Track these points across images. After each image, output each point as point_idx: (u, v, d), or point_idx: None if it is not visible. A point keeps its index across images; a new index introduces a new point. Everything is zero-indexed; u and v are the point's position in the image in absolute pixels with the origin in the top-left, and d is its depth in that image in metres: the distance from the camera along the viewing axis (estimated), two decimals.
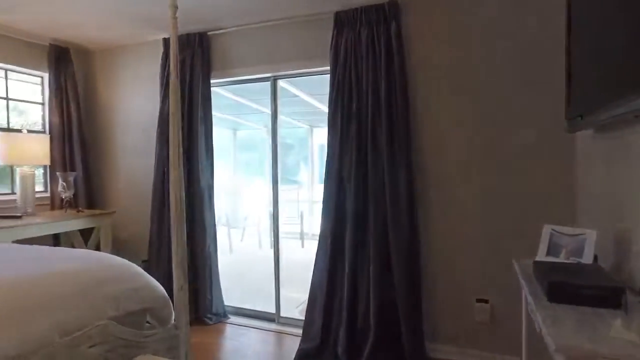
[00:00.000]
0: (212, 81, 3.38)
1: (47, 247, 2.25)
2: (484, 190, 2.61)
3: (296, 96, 4.85)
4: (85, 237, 3.64)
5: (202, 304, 3.33)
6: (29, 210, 3.31)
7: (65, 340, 1.50)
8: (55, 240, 3.64)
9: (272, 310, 3.37)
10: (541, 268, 1.46)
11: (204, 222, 3.36)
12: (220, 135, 7.77)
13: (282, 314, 3.34)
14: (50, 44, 3.65)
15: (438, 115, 2.71)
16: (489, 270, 2.60)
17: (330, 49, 2.85)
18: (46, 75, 3.71)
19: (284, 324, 3.28)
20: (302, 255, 5.77)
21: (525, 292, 1.46)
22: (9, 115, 3.66)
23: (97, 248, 3.56)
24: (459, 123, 2.66)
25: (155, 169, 3.45)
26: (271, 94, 3.33)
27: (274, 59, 3.19)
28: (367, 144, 2.74)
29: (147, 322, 2.02)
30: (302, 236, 6.68)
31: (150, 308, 1.93)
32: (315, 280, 2.90)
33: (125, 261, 2.01)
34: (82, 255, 2.00)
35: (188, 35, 3.33)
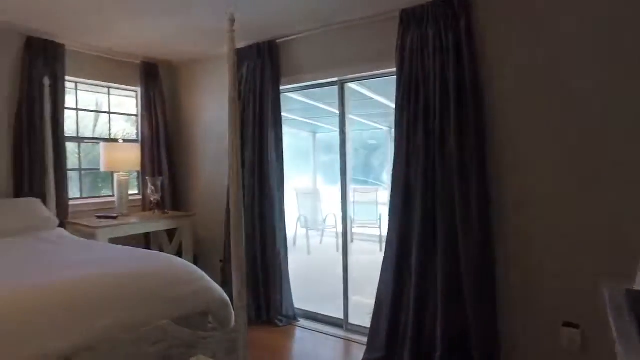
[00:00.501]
0: (281, 87, 3.46)
1: (121, 246, 2.47)
2: (576, 200, 2.28)
3: (370, 98, 4.78)
4: (171, 237, 3.95)
5: (273, 305, 3.41)
6: (124, 211, 3.68)
7: (127, 337, 1.62)
8: (146, 238, 4.01)
9: (342, 315, 3.34)
10: (637, 299, 1.20)
11: (274, 225, 3.44)
12: (300, 138, 7.97)
13: (351, 320, 3.30)
14: (141, 61, 4.02)
15: (517, 120, 2.44)
16: (580, 289, 2.27)
17: (396, 49, 2.74)
18: (139, 90, 4.10)
19: (351, 331, 3.23)
20: (380, 259, 5.66)
21: (612, 328, 1.21)
22: (111, 126, 4.12)
23: (180, 247, 3.85)
24: (543, 130, 2.36)
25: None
26: (339, 98, 3.31)
27: (340, 63, 3.16)
28: (435, 150, 2.58)
29: (210, 323, 2.12)
30: (381, 239, 6.55)
31: (209, 310, 2.02)
32: (381, 288, 2.81)
33: (188, 264, 2.13)
34: (150, 258, 2.16)
35: (258, 44, 3.44)
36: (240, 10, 2.80)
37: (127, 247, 2.50)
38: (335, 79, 3.27)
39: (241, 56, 3.56)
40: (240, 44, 3.53)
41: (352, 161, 7.92)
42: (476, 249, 2.43)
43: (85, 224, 3.28)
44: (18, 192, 3.27)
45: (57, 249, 2.42)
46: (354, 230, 6.95)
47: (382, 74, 3.02)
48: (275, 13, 2.96)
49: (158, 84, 4.12)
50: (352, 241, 6.68)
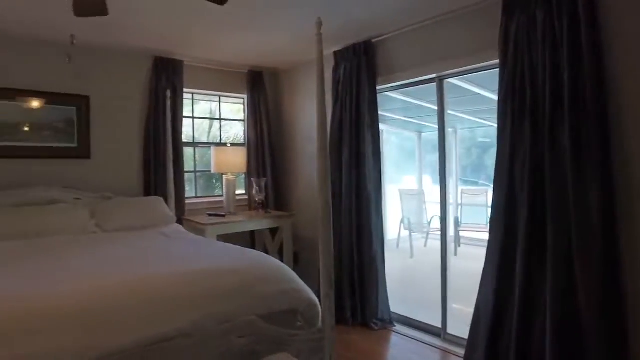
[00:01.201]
0: (378, 87, 3.41)
1: (221, 243, 2.67)
2: None
3: (477, 94, 4.47)
4: (274, 236, 4.17)
5: (369, 308, 3.38)
6: (232, 210, 3.98)
7: (218, 328, 1.74)
8: (252, 236, 4.29)
9: (439, 324, 3.17)
10: None
11: (370, 227, 3.40)
12: (404, 138, 7.77)
13: (449, 330, 3.11)
14: (248, 70, 4.31)
15: None
16: None
17: (499, 38, 2.50)
18: (246, 97, 4.40)
19: (449, 341, 3.05)
20: None
21: None
22: (222, 131, 4.50)
23: (281, 246, 4.04)
24: None
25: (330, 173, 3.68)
26: (437, 95, 3.15)
27: (437, 58, 3.01)
28: (544, 147, 2.29)
29: (299, 322, 2.17)
30: None
31: (297, 310, 2.07)
32: (481, 298, 2.60)
33: (279, 263, 2.21)
34: (243, 256, 2.29)
35: (354, 45, 3.44)
36: (336, 14, 2.85)
37: (225, 244, 2.71)
38: (433, 76, 3.12)
39: (338, 58, 3.61)
40: (337, 47, 3.59)
41: (463, 161, 7.48)
42: (597, 259, 2.10)
43: (198, 220, 3.63)
44: (147, 192, 3.75)
45: (170, 243, 2.71)
46: (462, 234, 6.57)
47: (484, 67, 2.79)
48: (370, 14, 2.92)
49: (263, 90, 4.38)
50: (459, 245, 6.35)
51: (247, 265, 2.09)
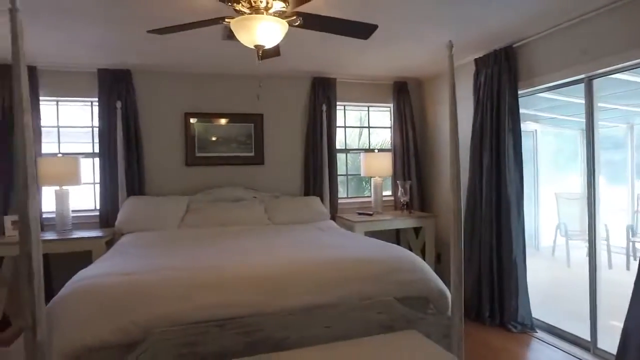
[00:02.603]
0: (519, 92, 3.41)
1: (365, 237, 3.07)
2: None
3: None
4: (417, 235, 4.44)
5: (507, 310, 3.41)
6: (379, 210, 4.40)
7: (360, 304, 2.16)
8: (397, 235, 4.64)
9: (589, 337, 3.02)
10: None
11: (510, 230, 3.42)
12: (565, 138, 7.10)
13: (600, 344, 2.95)
14: (394, 82, 4.69)
15: None
16: None
17: None
18: (392, 106, 4.77)
19: (599, 357, 2.89)
20: None
21: None
22: (370, 138, 4.97)
23: (424, 244, 4.29)
24: None
25: (469, 178, 3.80)
26: (585, 98, 3.02)
27: (583, 58, 2.89)
28: None
29: (431, 309, 2.45)
30: None
31: (428, 297, 2.36)
32: (632, 314, 2.46)
33: (414, 257, 2.53)
34: (383, 248, 2.66)
35: (495, 51, 3.50)
36: (475, 24, 3.01)
37: (370, 238, 3.13)
38: (581, 76, 3.00)
39: (479, 65, 3.71)
40: (478, 54, 3.70)
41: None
42: None
43: (348, 218, 4.14)
44: (306, 192, 4.44)
45: (324, 235, 3.26)
46: (638, 245, 5.74)
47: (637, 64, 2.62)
48: (508, 21, 3.00)
49: (407, 99, 4.70)
50: (635, 259, 5.56)
51: (386, 256, 2.46)
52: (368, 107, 4.89)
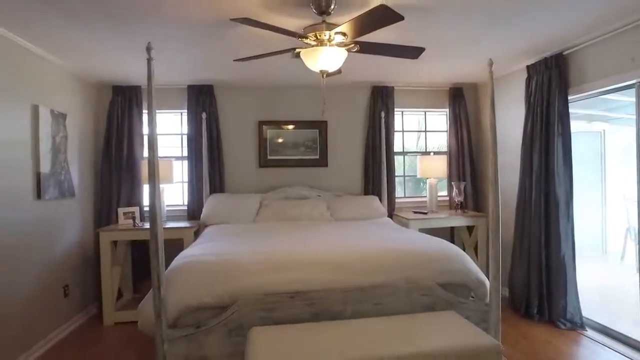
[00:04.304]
0: (569, 97, 3.55)
1: (414, 231, 3.41)
2: None
3: None
4: (470, 233, 4.67)
5: (555, 307, 3.56)
6: (433, 209, 4.69)
7: (406, 285, 2.53)
8: (452, 233, 4.89)
9: None
10: None
11: (558, 230, 3.57)
12: (624, 137, 6.79)
13: None
14: (449, 87, 4.94)
15: None
16: None
17: None
18: (447, 110, 5.02)
19: None
20: None
21: None
22: (427, 141, 5.25)
23: (476, 242, 4.51)
24: None
25: (520, 180, 3.98)
26: (637, 103, 3.12)
27: (635, 64, 3.00)
28: None
29: (472, 297, 2.76)
30: None
31: (467, 285, 2.67)
32: None
33: (457, 250, 2.84)
34: (429, 241, 2.99)
35: (545, 59, 3.67)
36: (528, 32, 3.22)
37: (419, 232, 3.47)
38: (633, 82, 3.11)
39: (530, 71, 3.89)
40: (530, 60, 3.89)
41: None
42: None
43: (404, 216, 4.49)
44: (366, 191, 4.84)
45: (378, 229, 3.65)
46: None
47: None
48: (559, 29, 3.16)
49: (463, 103, 4.93)
50: None
51: (430, 247, 2.81)
52: (425, 112, 5.18)
